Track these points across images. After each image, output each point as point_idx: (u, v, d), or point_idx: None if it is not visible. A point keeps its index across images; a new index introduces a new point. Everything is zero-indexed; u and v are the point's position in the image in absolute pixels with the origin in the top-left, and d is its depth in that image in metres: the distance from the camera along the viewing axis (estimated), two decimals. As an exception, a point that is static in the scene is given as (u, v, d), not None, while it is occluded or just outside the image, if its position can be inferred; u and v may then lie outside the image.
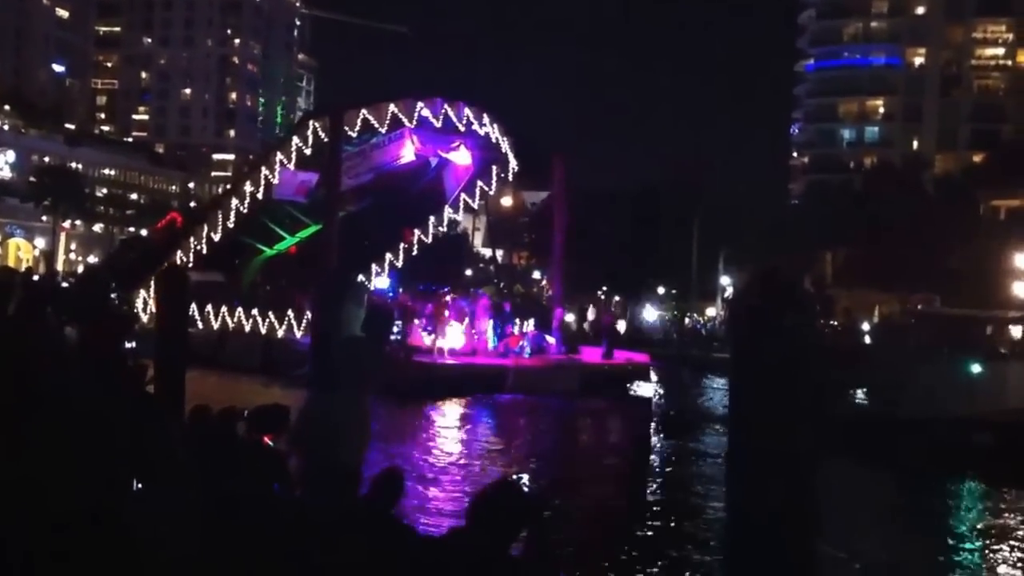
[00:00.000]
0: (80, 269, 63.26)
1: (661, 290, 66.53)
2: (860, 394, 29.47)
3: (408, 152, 32.18)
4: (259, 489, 5.28)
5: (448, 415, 23.69)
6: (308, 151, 29.86)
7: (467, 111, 29.93)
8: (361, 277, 32.05)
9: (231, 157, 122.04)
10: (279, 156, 30.50)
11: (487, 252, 60.88)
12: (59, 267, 76.23)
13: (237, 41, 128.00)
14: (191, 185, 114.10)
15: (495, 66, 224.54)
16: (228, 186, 34.43)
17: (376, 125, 29.46)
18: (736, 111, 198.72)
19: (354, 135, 29.65)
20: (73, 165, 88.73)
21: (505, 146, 31.32)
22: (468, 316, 28.62)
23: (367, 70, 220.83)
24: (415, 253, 36.03)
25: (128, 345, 8.75)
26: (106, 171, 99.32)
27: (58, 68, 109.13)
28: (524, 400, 25.18)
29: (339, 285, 11.53)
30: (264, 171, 30.88)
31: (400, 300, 30.42)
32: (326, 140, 29.15)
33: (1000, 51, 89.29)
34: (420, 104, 29.30)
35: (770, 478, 5.70)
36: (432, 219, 36.00)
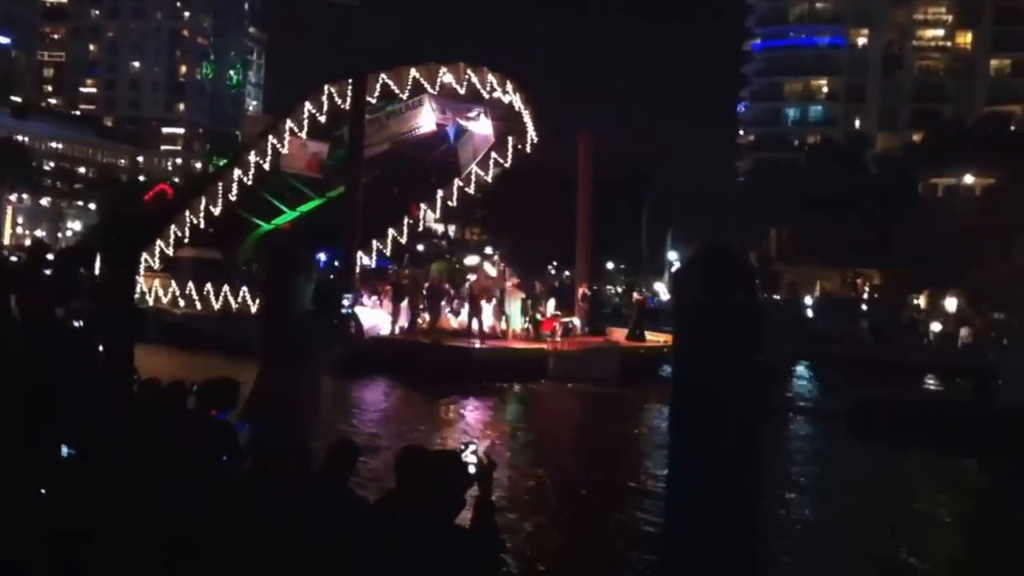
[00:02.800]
0: (27, 243, 62.57)
1: (611, 265, 67.61)
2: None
3: (428, 121, 30.22)
4: (208, 461, 5.26)
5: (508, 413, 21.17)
6: (322, 118, 27.89)
7: (491, 77, 28.23)
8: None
9: (181, 131, 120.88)
10: (289, 124, 28.52)
11: (439, 228, 61.27)
12: (5, 240, 75.45)
13: (187, 14, 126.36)
14: (140, 159, 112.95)
15: (441, 38, 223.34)
16: (232, 156, 32.60)
17: (396, 90, 27.61)
18: (686, 90, 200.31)
19: (373, 100, 27.73)
20: (20, 138, 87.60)
21: (526, 116, 29.66)
22: (495, 298, 26.74)
23: (319, 43, 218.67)
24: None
25: (76, 323, 8.27)
26: (54, 144, 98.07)
27: (4, 40, 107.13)
28: (574, 390, 22.68)
29: (290, 260, 11.36)
30: (272, 140, 28.86)
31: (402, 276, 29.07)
32: (342, 106, 27.33)
33: (941, 32, 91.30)
34: (443, 69, 27.56)
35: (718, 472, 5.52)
36: (441, 193, 33.75)
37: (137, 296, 30.01)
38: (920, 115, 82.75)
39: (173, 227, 30.39)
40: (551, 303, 27.89)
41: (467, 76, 27.76)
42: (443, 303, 27.24)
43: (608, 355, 25.27)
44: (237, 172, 29.71)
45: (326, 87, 28.11)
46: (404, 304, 26.36)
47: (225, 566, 4.19)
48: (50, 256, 10.61)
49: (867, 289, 58.12)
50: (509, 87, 28.65)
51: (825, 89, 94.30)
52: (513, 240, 51.48)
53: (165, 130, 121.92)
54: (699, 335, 5.87)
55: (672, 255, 64.23)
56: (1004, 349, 36.82)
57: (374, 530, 4.06)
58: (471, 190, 33.78)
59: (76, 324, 8.40)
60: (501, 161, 32.19)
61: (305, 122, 28.20)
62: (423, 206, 34.13)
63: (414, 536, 3.90)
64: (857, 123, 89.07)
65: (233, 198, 29.79)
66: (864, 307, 49.26)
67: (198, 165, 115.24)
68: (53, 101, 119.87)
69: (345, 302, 26.51)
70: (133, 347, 9.44)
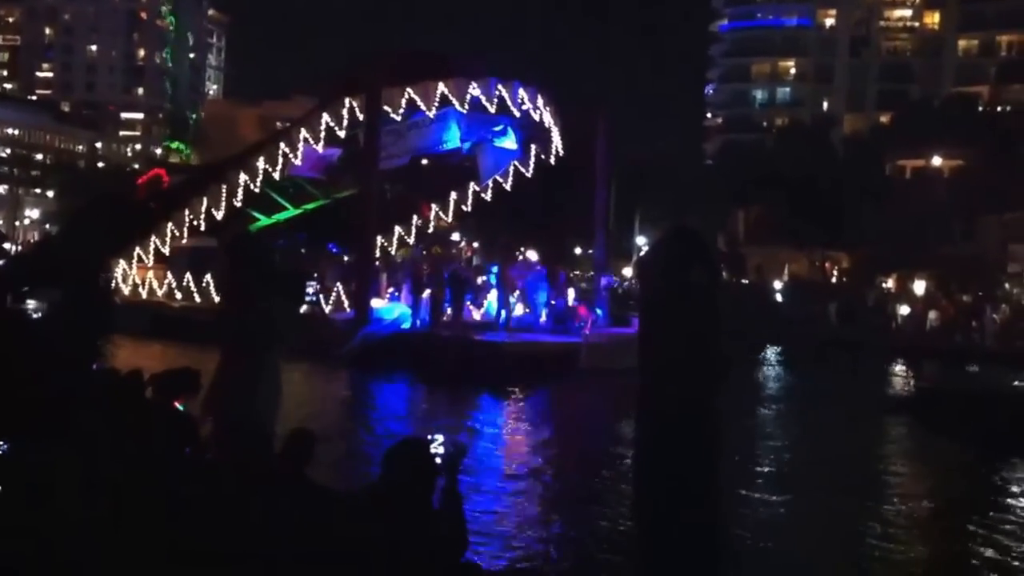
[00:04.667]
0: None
1: (579, 250, 66.92)
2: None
3: (453, 137, 28.60)
4: (168, 451, 5.25)
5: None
6: (342, 133, 26.52)
7: (521, 92, 26.86)
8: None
9: (140, 116, 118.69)
10: (303, 133, 26.95)
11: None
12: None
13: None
14: (99, 145, 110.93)
15: (399, 18, 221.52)
16: (235, 157, 30.38)
17: (423, 107, 26.05)
18: (654, 71, 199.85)
19: (397, 117, 26.24)
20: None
21: (554, 130, 28.54)
22: (518, 287, 25.69)
23: (279, 27, 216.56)
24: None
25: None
26: (9, 130, 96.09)
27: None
28: (611, 383, 20.68)
29: (249, 246, 11.30)
30: (283, 147, 27.39)
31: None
32: (362, 119, 25.91)
33: (908, 12, 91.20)
34: (473, 84, 26.03)
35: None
36: (454, 195, 32.15)
37: (129, 289, 29.13)
38: (888, 96, 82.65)
39: (170, 225, 28.86)
40: (571, 292, 26.74)
41: (498, 92, 26.31)
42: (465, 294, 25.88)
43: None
44: (244, 177, 28.06)
45: (346, 99, 26.25)
46: (424, 295, 24.95)
47: (180, 557, 4.20)
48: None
49: (835, 272, 57.84)
50: (540, 102, 27.49)
51: (793, 70, 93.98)
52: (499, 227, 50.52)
53: (124, 115, 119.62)
54: (661, 319, 5.90)
55: (640, 239, 63.63)
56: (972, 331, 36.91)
57: (331, 518, 4.14)
58: (488, 196, 32.16)
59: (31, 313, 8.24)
60: (523, 170, 30.87)
61: (322, 133, 26.63)
62: (435, 207, 32.42)
63: (375, 525, 3.98)
64: (825, 104, 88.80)
65: (238, 203, 28.34)
66: (832, 290, 49.03)
67: (158, 151, 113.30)
68: (8, 86, 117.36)
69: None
70: (97, 337, 8.98)
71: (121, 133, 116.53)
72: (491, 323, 25.08)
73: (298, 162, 27.61)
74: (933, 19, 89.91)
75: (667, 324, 5.81)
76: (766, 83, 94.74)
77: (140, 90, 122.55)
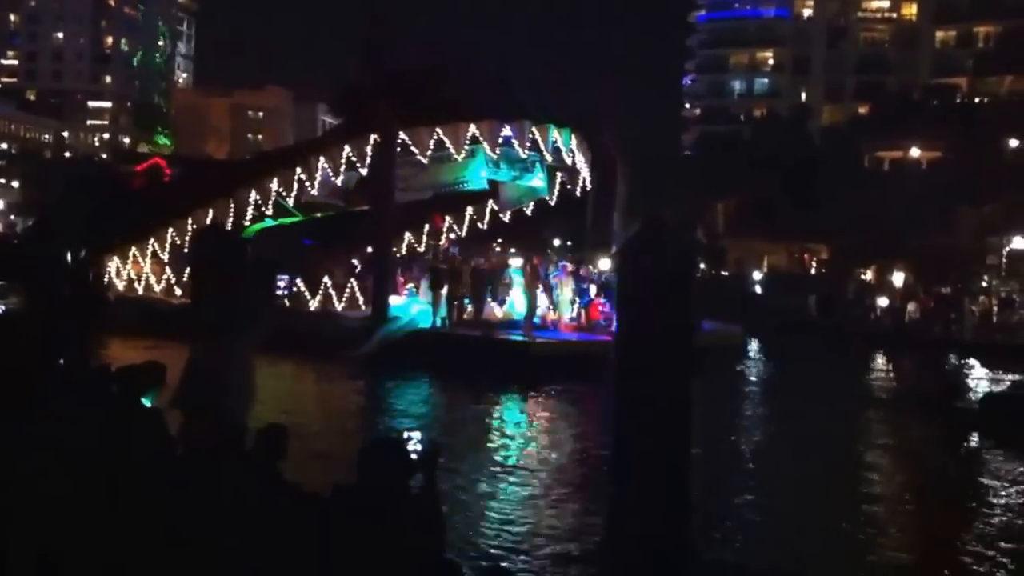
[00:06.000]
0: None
1: (557, 242, 66.28)
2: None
3: (476, 177, 27.24)
4: (139, 446, 5.18)
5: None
6: (363, 170, 25.26)
7: (555, 134, 25.81)
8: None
9: (108, 105, 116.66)
10: (323, 163, 25.49)
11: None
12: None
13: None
14: (65, 134, 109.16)
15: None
16: (247, 175, 28.68)
17: (451, 149, 24.87)
18: (632, 62, 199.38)
19: (424, 160, 25.02)
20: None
21: (585, 169, 27.55)
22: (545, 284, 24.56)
23: (250, 15, 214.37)
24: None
25: None
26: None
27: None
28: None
29: (217, 240, 11.13)
30: (299, 172, 25.79)
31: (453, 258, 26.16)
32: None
33: (885, 3, 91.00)
34: (506, 127, 24.92)
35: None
36: (470, 210, 30.58)
37: (124, 284, 28.13)
38: (865, 87, 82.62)
39: (171, 231, 27.45)
40: (592, 288, 25.39)
41: (531, 134, 25.29)
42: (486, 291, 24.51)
43: None
44: (254, 195, 26.58)
45: (372, 136, 24.80)
46: (444, 292, 23.62)
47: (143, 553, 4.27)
48: None
49: (814, 264, 57.57)
50: (573, 143, 26.47)
51: (771, 61, 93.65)
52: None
53: (91, 104, 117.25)
54: (638, 308, 6.30)
55: (618, 229, 62.94)
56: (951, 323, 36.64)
57: (299, 515, 4.17)
58: (506, 218, 31.02)
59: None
60: (548, 202, 29.73)
61: (343, 166, 25.41)
62: (447, 219, 30.85)
63: (344, 524, 4.01)
64: (803, 95, 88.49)
65: (247, 221, 26.87)
66: (811, 282, 48.77)
67: (127, 140, 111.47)
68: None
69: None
70: (71, 332, 9.77)
71: (88, 122, 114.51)
72: (514, 321, 23.71)
73: (315, 191, 26.29)
74: (910, 10, 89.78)
75: (644, 314, 6.22)
76: (744, 74, 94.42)
77: (108, 78, 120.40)
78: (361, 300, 24.96)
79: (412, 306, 24.09)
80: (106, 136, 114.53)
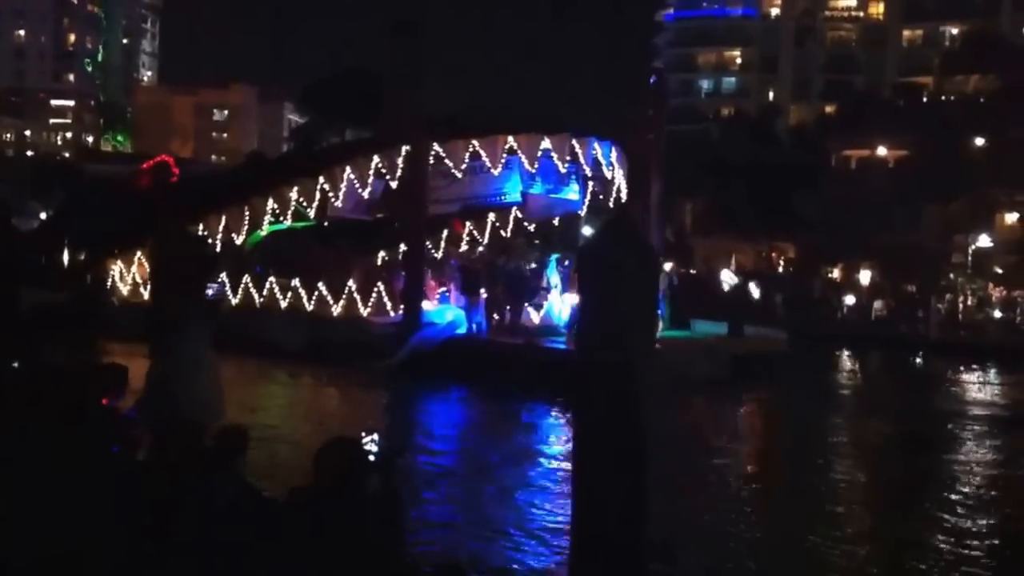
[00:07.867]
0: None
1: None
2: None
3: (513, 190, 26.36)
4: (95, 450, 5.12)
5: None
6: (394, 183, 24.01)
7: (596, 147, 24.92)
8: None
9: (71, 103, 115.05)
10: (349, 174, 24.18)
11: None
12: None
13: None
14: (28, 133, 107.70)
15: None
16: (263, 178, 27.51)
17: (488, 163, 23.89)
18: (599, 59, 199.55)
19: (459, 174, 24.10)
20: None
21: (622, 182, 26.37)
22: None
23: (215, 11, 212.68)
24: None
25: None
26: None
27: None
28: (687, 396, 18.37)
29: (172, 239, 11.31)
30: (323, 183, 24.50)
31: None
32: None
33: (853, 3, 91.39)
34: (545, 139, 23.83)
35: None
36: (492, 216, 29.10)
37: (129, 287, 26.87)
38: (832, 86, 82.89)
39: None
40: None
41: (572, 147, 24.36)
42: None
43: (717, 353, 21.68)
44: (272, 205, 25.31)
45: (403, 148, 23.54)
46: (479, 295, 22.21)
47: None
48: None
49: (782, 262, 57.62)
50: (613, 157, 25.56)
51: (738, 60, 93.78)
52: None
53: (53, 102, 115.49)
54: (597, 306, 6.19)
55: (586, 229, 62.62)
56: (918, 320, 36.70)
57: (255, 518, 4.14)
58: (531, 227, 30.19)
59: None
60: (580, 214, 29.15)
61: (371, 178, 24.27)
62: (468, 224, 29.27)
63: (298, 526, 4.01)
64: (771, 94, 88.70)
65: (263, 232, 25.84)
66: (778, 280, 48.68)
67: (90, 139, 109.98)
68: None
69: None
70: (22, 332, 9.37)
71: (51, 121, 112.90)
72: (555, 328, 22.27)
73: (339, 203, 24.92)
74: (878, 9, 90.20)
75: (603, 307, 6.13)
76: (711, 73, 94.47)
77: (71, 76, 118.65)
78: (389, 305, 23.49)
79: (446, 312, 22.56)
80: (69, 135, 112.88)
